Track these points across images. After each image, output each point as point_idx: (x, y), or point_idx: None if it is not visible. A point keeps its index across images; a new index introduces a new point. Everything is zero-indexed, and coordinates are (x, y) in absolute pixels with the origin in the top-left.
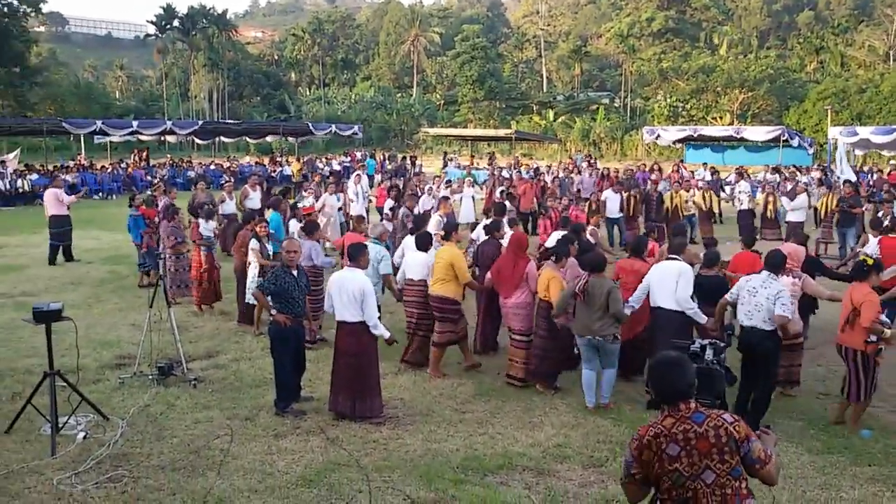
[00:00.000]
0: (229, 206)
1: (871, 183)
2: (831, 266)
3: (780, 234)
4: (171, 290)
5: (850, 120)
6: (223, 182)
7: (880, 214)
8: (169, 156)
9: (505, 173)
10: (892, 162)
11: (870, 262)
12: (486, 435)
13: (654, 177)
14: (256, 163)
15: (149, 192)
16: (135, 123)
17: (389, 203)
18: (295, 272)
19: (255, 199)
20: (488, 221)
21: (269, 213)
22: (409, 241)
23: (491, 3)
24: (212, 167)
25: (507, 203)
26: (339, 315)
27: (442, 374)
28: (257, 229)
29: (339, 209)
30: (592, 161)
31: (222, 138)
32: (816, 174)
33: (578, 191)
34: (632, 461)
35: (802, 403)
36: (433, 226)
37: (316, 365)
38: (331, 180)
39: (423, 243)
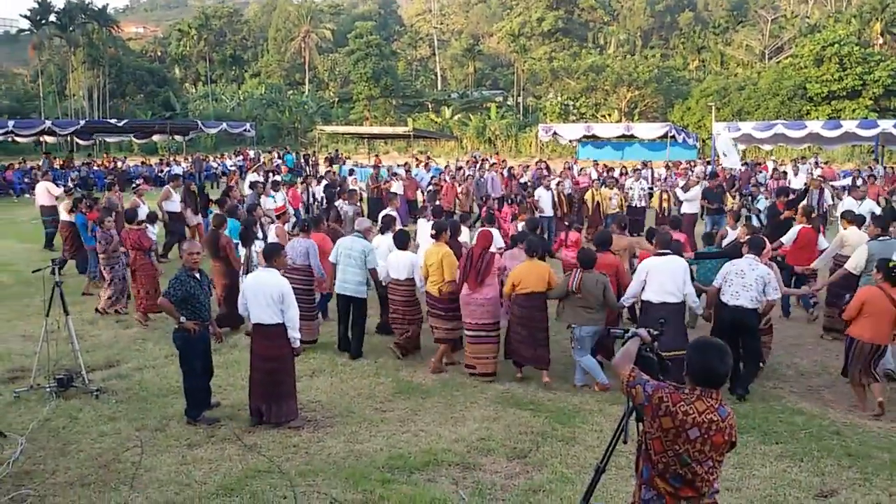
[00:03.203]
0: (143, 211)
1: (738, 177)
2: None
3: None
4: (119, 300)
5: (731, 116)
6: (136, 186)
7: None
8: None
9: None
10: (773, 157)
11: None
12: (409, 433)
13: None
14: (143, 163)
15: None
16: (10, 123)
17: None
18: (198, 275)
19: (175, 202)
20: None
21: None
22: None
23: (383, 1)
24: (94, 168)
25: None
26: (256, 318)
27: (442, 368)
28: None
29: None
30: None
31: (105, 138)
32: (700, 168)
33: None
34: (645, 404)
35: None
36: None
37: (226, 371)
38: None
39: (402, 242)
